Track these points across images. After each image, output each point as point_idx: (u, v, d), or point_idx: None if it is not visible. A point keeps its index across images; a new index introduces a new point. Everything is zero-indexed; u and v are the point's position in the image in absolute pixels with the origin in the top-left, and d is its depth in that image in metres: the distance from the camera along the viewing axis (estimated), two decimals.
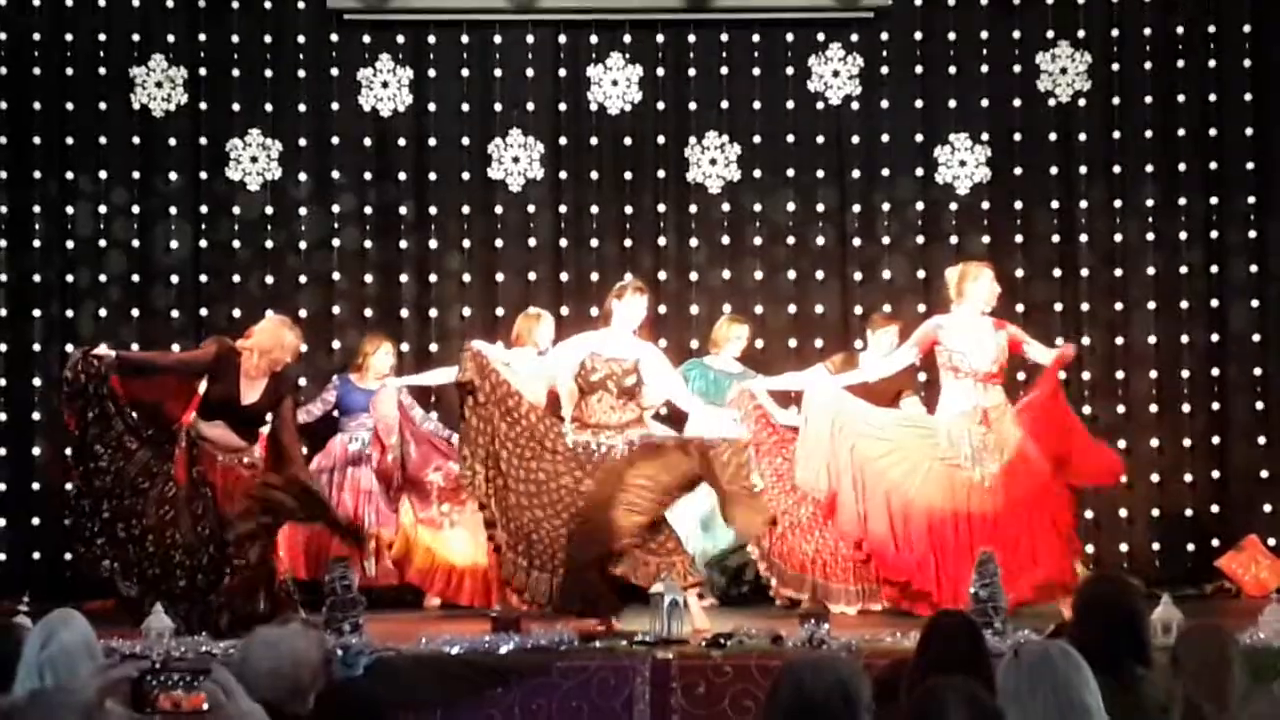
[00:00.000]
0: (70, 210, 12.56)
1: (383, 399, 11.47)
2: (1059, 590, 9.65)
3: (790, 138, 12.72)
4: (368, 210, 12.70)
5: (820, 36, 12.70)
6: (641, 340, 9.96)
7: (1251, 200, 12.66)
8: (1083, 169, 12.71)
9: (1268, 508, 12.35)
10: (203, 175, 12.62)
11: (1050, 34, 12.66)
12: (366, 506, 11.41)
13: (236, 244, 12.62)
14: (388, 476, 11.40)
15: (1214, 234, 12.66)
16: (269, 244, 12.62)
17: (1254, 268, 12.64)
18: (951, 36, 12.74)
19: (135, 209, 12.60)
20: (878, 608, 10.46)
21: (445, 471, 11.15)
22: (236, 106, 12.64)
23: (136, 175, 12.61)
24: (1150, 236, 12.64)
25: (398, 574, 11.32)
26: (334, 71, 12.71)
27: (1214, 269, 12.65)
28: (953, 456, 10.03)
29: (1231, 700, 4.97)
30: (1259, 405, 12.56)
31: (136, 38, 12.62)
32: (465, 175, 12.70)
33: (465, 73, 12.76)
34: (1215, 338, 12.61)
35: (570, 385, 9.83)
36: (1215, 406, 12.57)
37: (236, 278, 12.56)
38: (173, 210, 12.60)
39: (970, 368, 10.06)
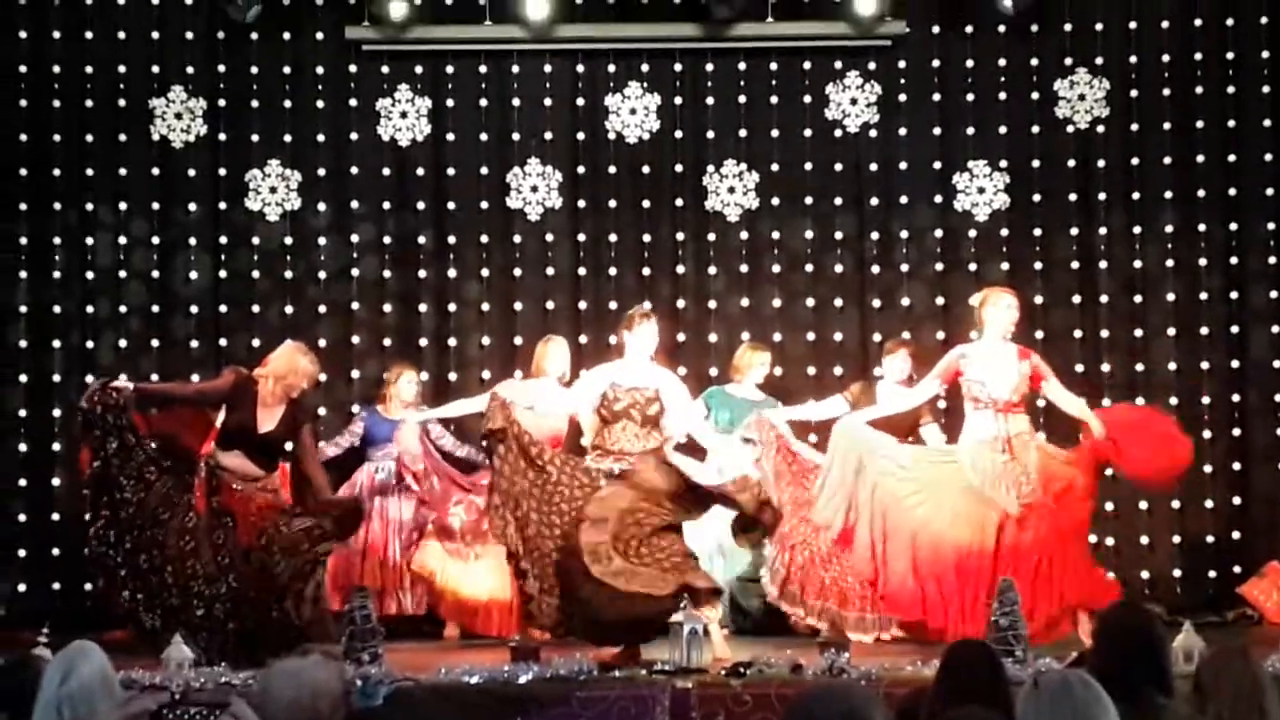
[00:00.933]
0: (90, 241, 12.61)
1: (405, 433, 11.46)
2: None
3: (808, 165, 12.73)
4: (386, 240, 12.73)
5: (838, 64, 12.71)
6: (660, 368, 9.97)
7: (1271, 226, 12.65)
8: (1102, 195, 12.70)
9: None
10: (222, 206, 12.67)
11: (1068, 61, 12.66)
12: (395, 537, 11.41)
13: (256, 274, 12.65)
14: (426, 508, 11.39)
15: (1234, 260, 12.64)
16: (288, 274, 12.65)
17: (1274, 293, 12.61)
18: (969, 63, 12.75)
19: (155, 240, 12.65)
20: (892, 635, 10.47)
21: (467, 504, 11.16)
22: (255, 137, 12.68)
23: (156, 206, 12.65)
24: (1170, 263, 12.62)
25: (429, 605, 11.32)
26: (353, 102, 12.75)
27: (1234, 295, 12.62)
28: (978, 486, 10.00)
29: (1273, 718, 4.92)
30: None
31: (156, 69, 12.68)
32: (484, 204, 12.72)
33: (483, 102, 12.78)
34: (1235, 363, 12.58)
35: (592, 418, 9.86)
36: (1236, 432, 12.54)
37: (256, 308, 12.59)
38: (192, 241, 12.65)
39: (989, 397, 10.04)
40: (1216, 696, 4.93)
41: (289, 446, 10.01)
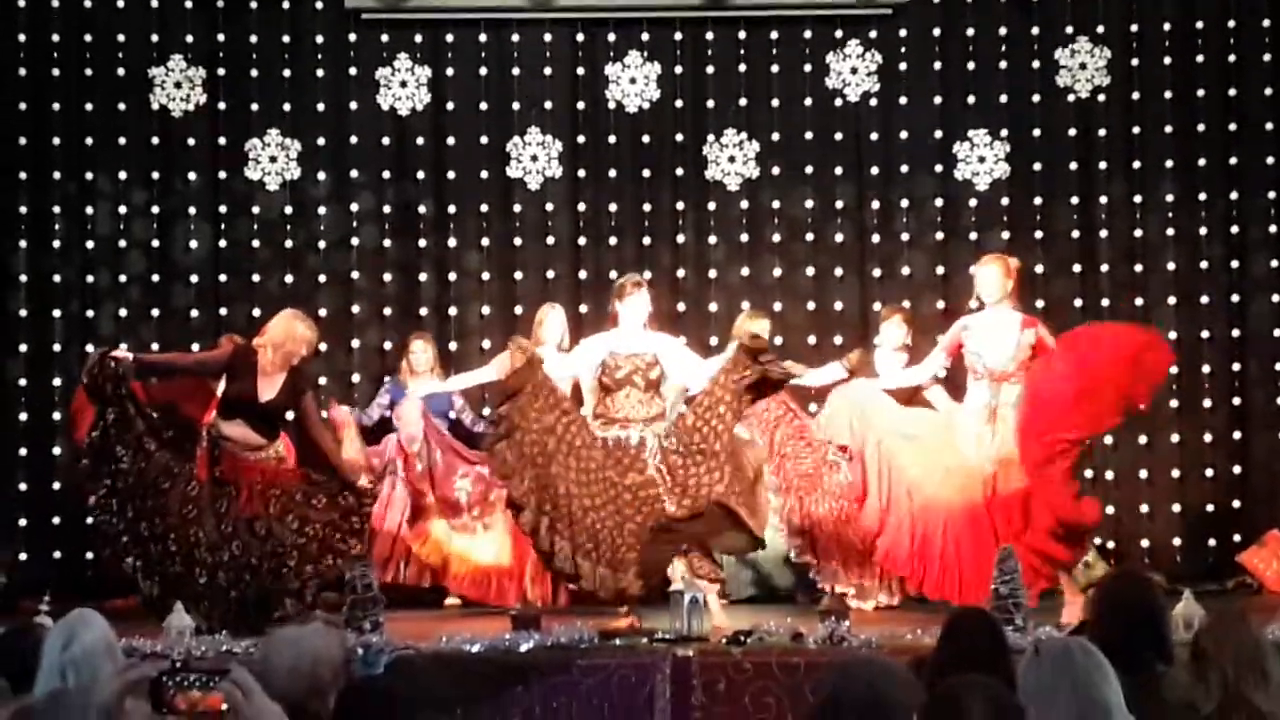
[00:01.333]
0: (90, 210, 12.59)
1: (405, 409, 11.42)
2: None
3: (809, 134, 12.70)
4: (386, 209, 12.71)
5: (838, 33, 12.67)
6: (654, 333, 9.97)
7: (1272, 195, 12.62)
8: (1102, 164, 12.68)
9: None
10: (222, 175, 12.65)
11: (1069, 29, 12.62)
12: (402, 507, 11.37)
13: (256, 243, 12.64)
14: (417, 490, 11.34)
15: (1234, 229, 12.62)
16: (288, 243, 12.64)
17: (1274, 263, 12.59)
18: (970, 32, 12.72)
19: (155, 209, 12.63)
20: (890, 601, 10.57)
21: (474, 476, 11.14)
22: (255, 106, 12.65)
23: (156, 175, 12.63)
24: (1170, 232, 12.61)
25: (430, 577, 11.27)
26: (352, 71, 12.72)
27: (1234, 264, 12.61)
28: (967, 453, 10.03)
29: (1275, 680, 4.91)
30: None
31: (155, 38, 12.65)
32: (484, 174, 12.70)
33: (483, 71, 12.76)
34: (1236, 332, 12.57)
35: (592, 384, 9.87)
36: (1236, 401, 12.54)
37: (256, 277, 12.58)
38: (192, 210, 12.64)
39: (985, 367, 10.05)
40: (1217, 661, 4.93)
41: (290, 415, 10.03)
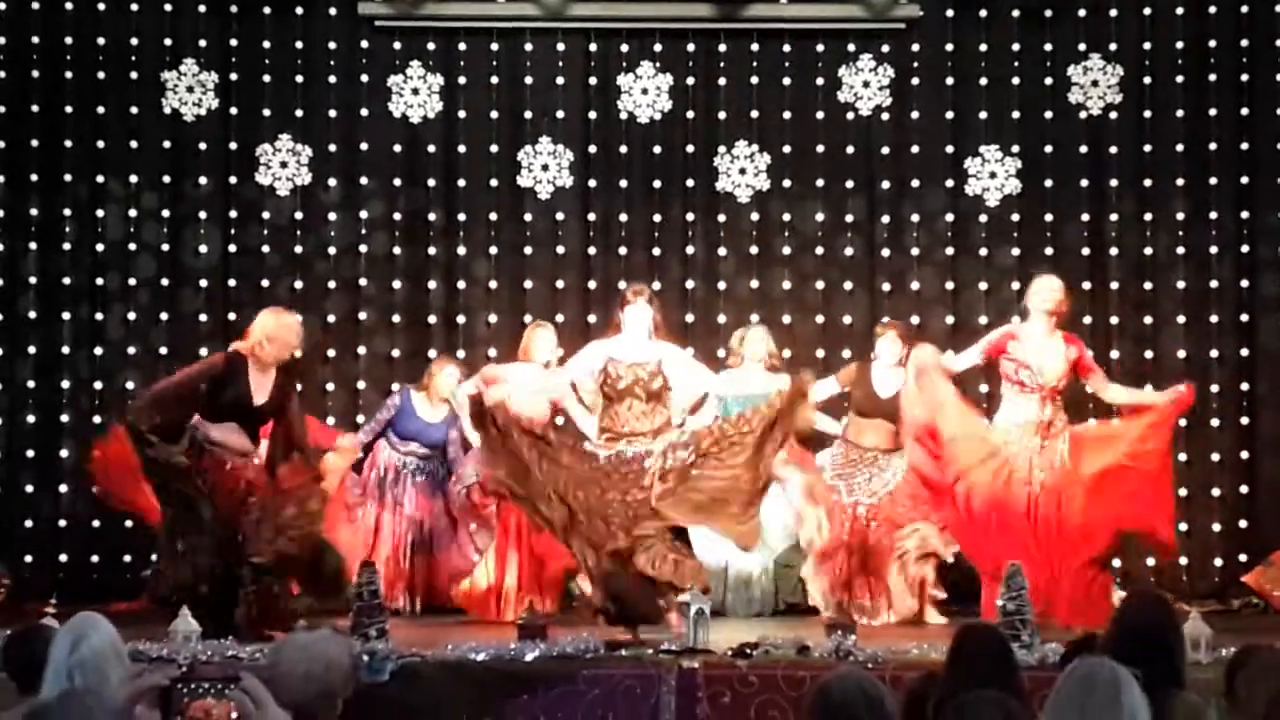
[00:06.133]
0: (100, 213, 12.60)
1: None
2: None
3: (820, 148, 12.71)
4: (396, 216, 12.72)
5: (851, 47, 12.68)
6: (659, 342, 9.92)
7: None
8: (1113, 182, 12.67)
9: None
10: (232, 180, 12.66)
11: (1082, 46, 12.62)
12: (409, 531, 11.27)
13: (265, 249, 12.65)
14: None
15: (1245, 248, 12.61)
16: (298, 249, 12.65)
17: None
18: (983, 48, 12.73)
19: (165, 213, 12.64)
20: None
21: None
22: (267, 111, 12.67)
23: (167, 179, 12.65)
24: (1181, 250, 12.60)
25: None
26: (364, 78, 12.74)
27: (1244, 283, 12.60)
28: (1011, 466, 10.03)
29: None
30: None
31: (168, 42, 12.67)
32: (494, 182, 12.71)
33: (495, 80, 12.77)
34: (1245, 352, 12.56)
35: (594, 391, 9.81)
36: (1244, 421, 12.52)
37: (265, 282, 12.58)
38: (202, 214, 12.64)
39: (1035, 383, 10.07)
40: (1255, 701, 4.91)
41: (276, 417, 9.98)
